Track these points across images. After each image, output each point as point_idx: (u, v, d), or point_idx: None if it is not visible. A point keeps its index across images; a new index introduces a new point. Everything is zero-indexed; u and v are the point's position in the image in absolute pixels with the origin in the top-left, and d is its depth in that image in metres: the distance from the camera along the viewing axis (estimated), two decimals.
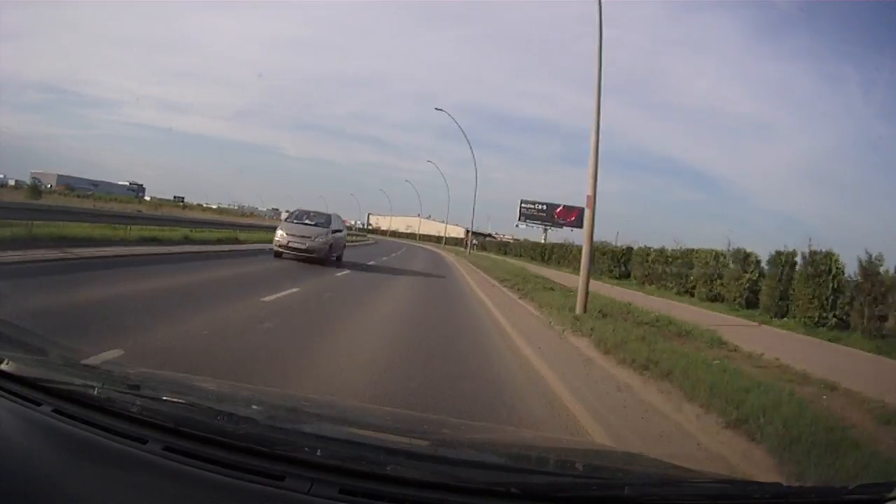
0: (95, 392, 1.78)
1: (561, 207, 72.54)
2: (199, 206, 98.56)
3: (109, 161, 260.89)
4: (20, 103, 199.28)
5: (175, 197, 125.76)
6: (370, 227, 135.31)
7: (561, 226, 70.67)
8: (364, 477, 1.53)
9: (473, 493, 1.54)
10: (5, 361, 1.84)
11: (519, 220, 74.27)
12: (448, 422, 3.56)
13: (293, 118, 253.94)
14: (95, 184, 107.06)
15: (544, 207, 74.22)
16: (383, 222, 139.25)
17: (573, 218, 68.03)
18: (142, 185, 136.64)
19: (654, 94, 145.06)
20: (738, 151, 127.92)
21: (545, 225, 73.07)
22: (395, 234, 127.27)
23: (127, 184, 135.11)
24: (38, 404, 1.74)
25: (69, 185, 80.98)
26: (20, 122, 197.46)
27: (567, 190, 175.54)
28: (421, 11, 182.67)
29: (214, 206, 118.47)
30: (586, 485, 1.70)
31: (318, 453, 1.56)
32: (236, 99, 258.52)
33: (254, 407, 2.25)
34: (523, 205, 74.74)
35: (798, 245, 18.24)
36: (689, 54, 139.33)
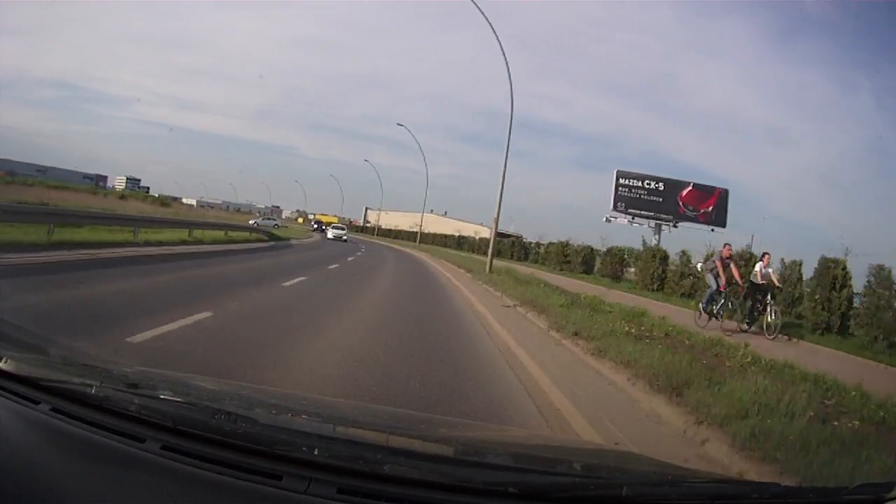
0: (94, 391, 1.78)
1: (689, 188, 41.33)
2: (160, 198, 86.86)
3: (121, 158, 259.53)
4: (32, 99, 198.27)
5: (139, 187, 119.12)
6: (366, 225, 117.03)
7: (686, 219, 41.21)
8: (362, 476, 1.53)
9: (472, 492, 1.54)
10: (4, 360, 1.84)
11: (615, 208, 41.29)
12: (447, 421, 3.59)
13: (309, 118, 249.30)
14: (43, 170, 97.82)
15: (660, 187, 41.50)
16: (385, 219, 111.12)
17: (709, 207, 41.05)
18: (140, 178, 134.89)
19: (667, 97, 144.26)
20: (751, 157, 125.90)
21: (661, 219, 41.20)
22: (390, 233, 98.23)
23: (127, 178, 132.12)
24: (37, 403, 1.74)
25: (12, 170, 72.72)
26: (31, 117, 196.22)
27: (585, 195, 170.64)
28: (436, 13, 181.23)
29: (193, 202, 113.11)
30: (585, 484, 1.69)
31: (316, 452, 1.56)
32: (253, 98, 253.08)
33: (252, 406, 2.25)
34: (622, 182, 41.45)
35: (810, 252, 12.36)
36: (703, 59, 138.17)
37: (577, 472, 1.93)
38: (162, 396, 1.95)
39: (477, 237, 72.95)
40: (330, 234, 61.38)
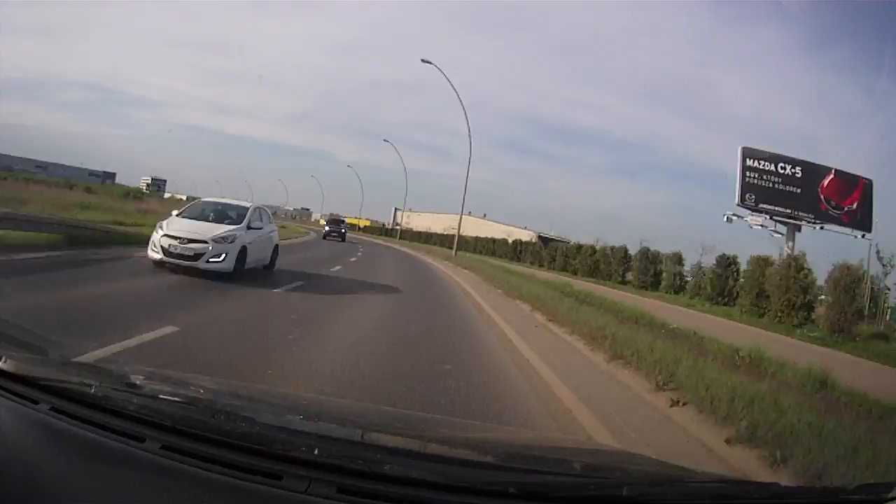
0: (93, 390, 1.78)
1: (831, 177, 29.87)
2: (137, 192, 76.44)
3: (148, 160, 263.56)
4: (62, 101, 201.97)
5: (156, 187, 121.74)
6: (396, 227, 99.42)
7: (828, 219, 29.68)
8: (362, 476, 1.53)
9: (471, 492, 1.54)
10: (3, 359, 1.84)
11: (742, 201, 29.69)
12: (446, 421, 3.59)
13: (345, 123, 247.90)
14: (43, 166, 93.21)
15: (797, 173, 29.92)
16: (417, 220, 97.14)
17: (853, 203, 29.61)
18: (166, 178, 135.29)
19: (699, 104, 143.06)
20: None
21: (799, 217, 29.57)
22: (420, 236, 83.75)
23: (152, 178, 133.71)
24: (36, 402, 1.74)
25: (8, 165, 72.45)
26: (61, 119, 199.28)
27: (618, 201, 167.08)
28: (473, 19, 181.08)
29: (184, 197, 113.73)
30: (584, 484, 1.69)
31: (316, 452, 1.55)
32: (289, 103, 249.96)
33: (252, 406, 2.25)
34: (750, 163, 29.70)
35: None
36: (733, 65, 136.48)
37: (576, 472, 1.92)
38: (161, 396, 1.96)
39: (533, 243, 56.92)
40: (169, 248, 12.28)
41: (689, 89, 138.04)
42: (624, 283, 35.92)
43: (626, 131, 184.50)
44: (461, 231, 45.46)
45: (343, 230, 49.26)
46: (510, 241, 60.35)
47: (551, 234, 68.70)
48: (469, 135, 38.29)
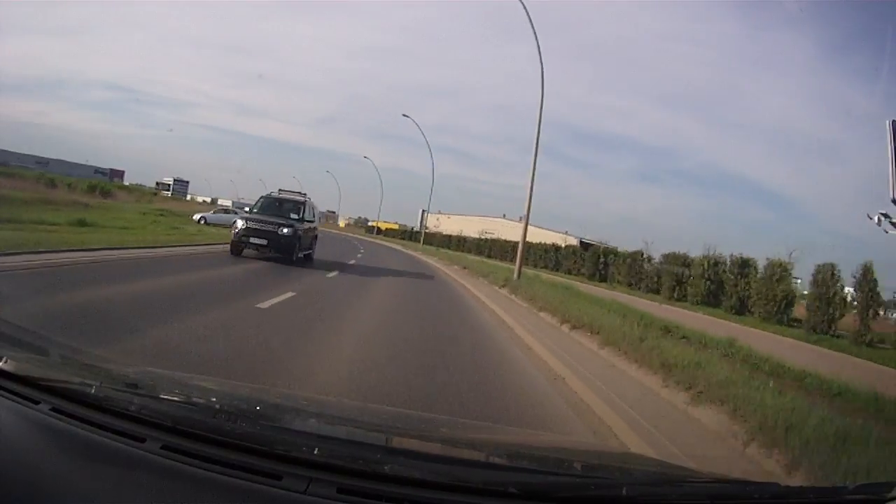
0: (94, 391, 1.78)
1: None
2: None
3: (174, 161, 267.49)
4: (85, 100, 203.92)
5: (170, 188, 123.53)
6: (425, 229, 78.50)
7: None
8: (362, 476, 1.53)
9: (472, 492, 1.54)
10: (4, 360, 1.84)
11: None
12: (447, 421, 3.58)
13: (371, 126, 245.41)
14: (44, 162, 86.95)
15: None
16: (446, 223, 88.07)
17: None
18: (189, 180, 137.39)
19: (727, 111, 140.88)
20: (807, 172, 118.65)
21: None
22: (450, 241, 73.78)
23: (175, 179, 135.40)
24: (37, 403, 1.74)
25: (5, 161, 68.54)
26: (84, 118, 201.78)
27: (647, 206, 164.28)
28: (501, 24, 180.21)
29: (229, 203, 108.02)
30: (585, 484, 1.69)
31: (316, 452, 1.56)
32: (317, 106, 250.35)
33: (252, 406, 2.25)
34: None
35: None
36: (760, 72, 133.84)
37: (577, 472, 1.93)
38: (162, 396, 1.96)
39: (624, 258, 38.74)
40: None
41: (715, 95, 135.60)
42: (790, 324, 23.41)
43: (651, 136, 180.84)
44: (502, 235, 32.19)
45: (296, 229, 17.82)
46: (554, 245, 49.20)
47: (587, 238, 59.28)
48: (540, 111, 23.52)
